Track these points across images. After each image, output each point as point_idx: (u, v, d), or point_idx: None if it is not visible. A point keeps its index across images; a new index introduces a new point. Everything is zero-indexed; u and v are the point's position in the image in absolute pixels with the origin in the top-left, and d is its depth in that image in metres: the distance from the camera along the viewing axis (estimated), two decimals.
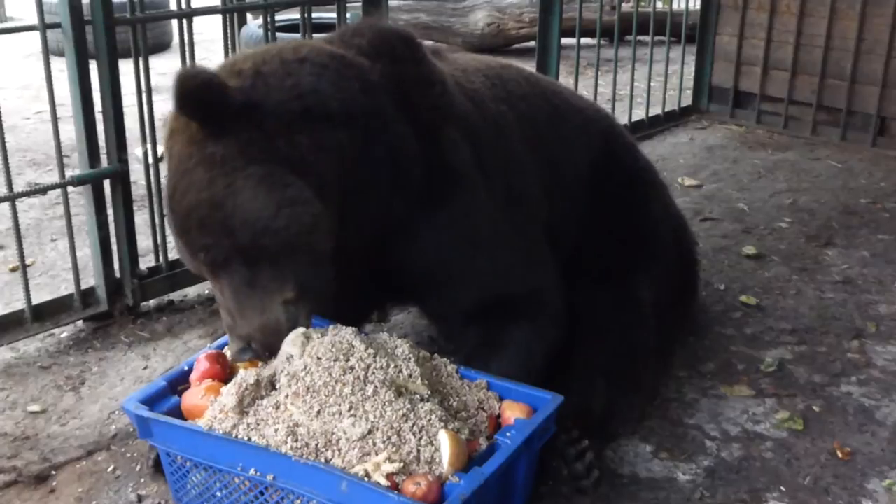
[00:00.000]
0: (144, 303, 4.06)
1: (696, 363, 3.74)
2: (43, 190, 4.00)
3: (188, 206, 2.52)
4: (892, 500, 2.97)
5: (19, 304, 3.85)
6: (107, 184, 3.87)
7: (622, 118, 6.28)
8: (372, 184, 2.80)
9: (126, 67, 3.79)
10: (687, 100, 7.29)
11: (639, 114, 6.80)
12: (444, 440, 2.53)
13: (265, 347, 2.68)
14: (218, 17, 4.22)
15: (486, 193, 3.06)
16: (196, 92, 2.47)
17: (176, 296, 4.17)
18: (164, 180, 2.87)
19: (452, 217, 2.98)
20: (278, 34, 4.75)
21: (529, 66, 5.22)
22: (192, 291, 4.23)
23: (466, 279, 3.07)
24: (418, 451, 2.51)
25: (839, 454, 3.19)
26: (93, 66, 3.68)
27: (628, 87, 6.61)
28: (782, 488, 3.03)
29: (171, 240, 4.04)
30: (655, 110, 6.92)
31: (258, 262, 2.58)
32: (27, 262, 4.44)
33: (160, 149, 3.86)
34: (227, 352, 2.80)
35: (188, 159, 2.54)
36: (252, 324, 2.64)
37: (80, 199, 4.13)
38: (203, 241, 2.54)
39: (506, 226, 3.11)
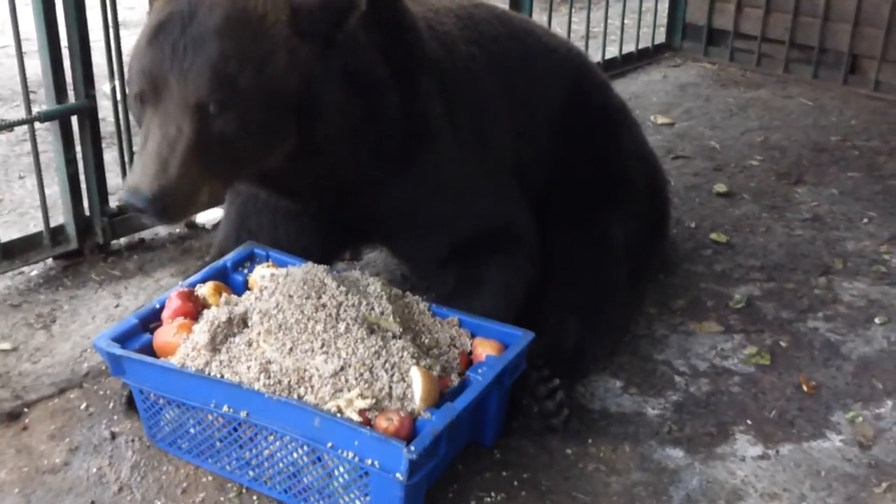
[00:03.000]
0: (115, 241, 4.02)
1: (666, 300, 3.78)
2: (9, 126, 3.94)
3: (231, 51, 2.46)
4: (854, 431, 3.04)
5: None
6: (74, 120, 3.81)
7: (595, 56, 6.24)
8: (356, 145, 2.82)
9: (93, 1, 3.71)
10: (661, 37, 7.24)
11: (612, 51, 6.76)
12: (416, 377, 2.55)
13: (159, 211, 2.47)
14: None
15: (456, 141, 3.06)
16: (345, 9, 2.56)
17: (147, 234, 4.14)
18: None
19: (423, 169, 3.00)
20: None
21: (503, 3, 5.18)
22: (162, 230, 4.19)
23: (437, 225, 3.10)
24: (390, 387, 2.54)
25: (805, 388, 3.25)
26: (58, 0, 3.60)
27: (602, 24, 6.56)
28: (749, 421, 3.08)
29: None
30: (629, 48, 6.87)
31: (225, 144, 2.52)
32: None
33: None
34: (128, 181, 2.52)
35: (260, 21, 2.52)
36: (171, 185, 2.44)
37: (47, 135, 4.07)
38: (221, 91, 2.46)
39: (475, 171, 3.12)
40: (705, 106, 6.14)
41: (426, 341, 2.79)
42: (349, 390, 2.51)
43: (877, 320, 3.66)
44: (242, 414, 2.53)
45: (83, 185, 3.91)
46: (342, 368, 2.54)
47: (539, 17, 5.92)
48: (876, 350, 3.49)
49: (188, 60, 2.45)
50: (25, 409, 3.04)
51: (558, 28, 5.60)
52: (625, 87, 6.14)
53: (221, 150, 2.52)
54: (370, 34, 2.78)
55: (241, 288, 3.02)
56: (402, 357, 2.61)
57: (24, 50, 3.65)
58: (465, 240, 3.10)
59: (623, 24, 6.70)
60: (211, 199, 2.65)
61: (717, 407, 3.16)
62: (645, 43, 7.02)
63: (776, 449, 2.97)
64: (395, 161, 2.94)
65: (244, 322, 2.73)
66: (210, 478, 2.75)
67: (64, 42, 3.67)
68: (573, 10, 6.27)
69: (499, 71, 3.33)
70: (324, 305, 2.68)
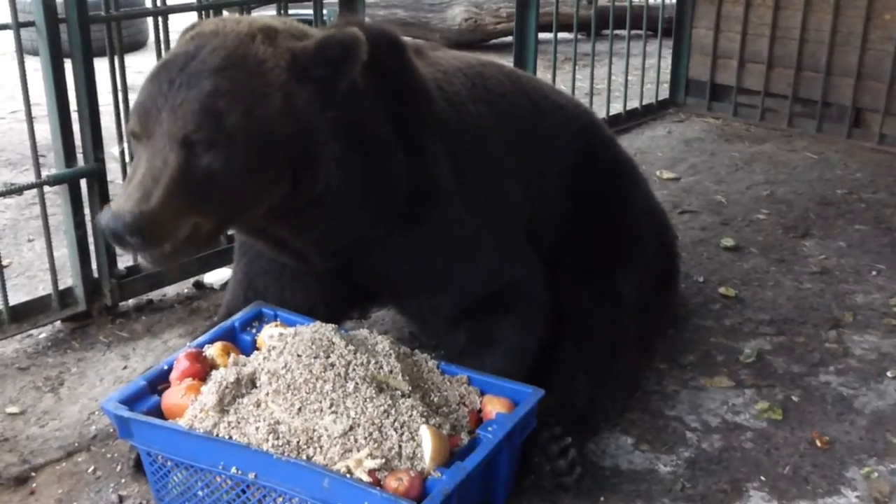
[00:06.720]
0: (123, 302, 4.03)
1: (676, 355, 3.75)
2: (19, 190, 3.97)
3: (222, 89, 2.52)
4: (870, 487, 3.00)
5: None
6: (83, 183, 3.84)
7: (600, 112, 6.30)
8: (358, 201, 2.83)
9: (101, 66, 3.76)
10: (664, 93, 7.31)
11: (616, 108, 6.82)
12: (426, 435, 2.53)
13: (136, 234, 2.44)
14: (194, 15, 4.20)
15: (465, 201, 3.07)
16: (341, 57, 2.61)
17: (155, 295, 4.15)
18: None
19: (431, 229, 3.02)
20: None
21: (507, 61, 5.24)
22: (170, 291, 4.20)
23: (446, 285, 3.10)
24: (400, 446, 2.52)
25: (818, 443, 3.21)
26: (68, 65, 3.65)
27: (606, 81, 6.62)
28: (762, 478, 3.05)
29: None
30: (633, 104, 6.94)
31: (212, 180, 2.53)
32: (4, 262, 4.42)
33: None
34: (113, 208, 2.48)
35: (258, 64, 2.59)
36: (151, 213, 2.43)
37: (56, 198, 4.10)
38: (209, 126, 2.50)
39: (484, 230, 3.13)
40: (710, 161, 6.17)
41: (435, 399, 2.77)
42: (358, 450, 2.49)
43: (889, 374, 3.63)
44: (251, 476, 2.51)
45: (91, 248, 3.92)
46: (351, 428, 2.52)
47: (542, 74, 5.99)
48: (889, 404, 3.45)
49: (181, 96, 2.51)
50: (33, 474, 3.02)
51: (562, 85, 5.65)
52: (630, 143, 6.17)
53: (207, 186, 2.54)
54: (376, 94, 2.81)
55: (250, 348, 3.02)
56: (411, 416, 2.59)
57: (33, 114, 3.69)
58: (476, 299, 3.10)
59: (627, 80, 6.76)
60: (200, 238, 2.64)
61: (730, 463, 3.12)
62: (649, 99, 7.08)
63: None
64: (402, 221, 2.95)
65: (252, 382, 2.71)
66: None
67: (73, 106, 3.72)
68: (577, 68, 6.33)
69: (508, 129, 3.36)
70: (332, 365, 2.67)
